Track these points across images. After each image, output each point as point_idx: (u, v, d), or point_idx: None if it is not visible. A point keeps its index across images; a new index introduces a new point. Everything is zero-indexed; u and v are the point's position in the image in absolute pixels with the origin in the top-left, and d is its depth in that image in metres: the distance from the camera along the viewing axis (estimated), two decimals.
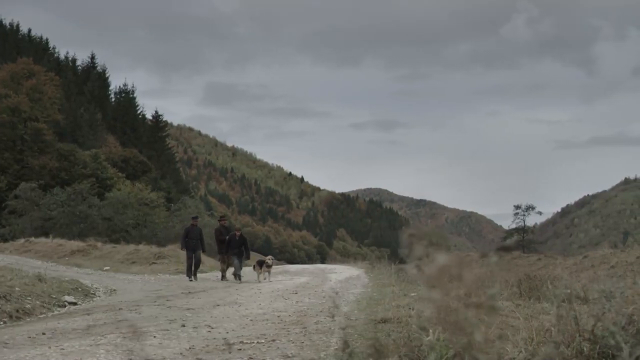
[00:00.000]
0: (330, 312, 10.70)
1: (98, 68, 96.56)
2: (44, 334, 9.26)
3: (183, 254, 34.60)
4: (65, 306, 14.24)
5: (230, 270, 24.14)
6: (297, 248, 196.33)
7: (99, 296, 17.09)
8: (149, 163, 79.40)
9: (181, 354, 7.22)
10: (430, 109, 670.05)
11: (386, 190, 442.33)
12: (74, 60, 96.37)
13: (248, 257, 24.96)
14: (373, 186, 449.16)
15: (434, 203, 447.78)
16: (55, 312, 13.18)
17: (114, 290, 18.50)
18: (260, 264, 23.79)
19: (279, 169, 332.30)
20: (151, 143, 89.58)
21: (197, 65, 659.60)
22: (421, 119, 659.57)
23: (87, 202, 58.17)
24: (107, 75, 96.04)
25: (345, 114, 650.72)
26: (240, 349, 7.43)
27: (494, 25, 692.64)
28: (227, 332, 8.94)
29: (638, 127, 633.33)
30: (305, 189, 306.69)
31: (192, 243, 23.88)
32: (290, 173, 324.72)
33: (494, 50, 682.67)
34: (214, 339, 8.33)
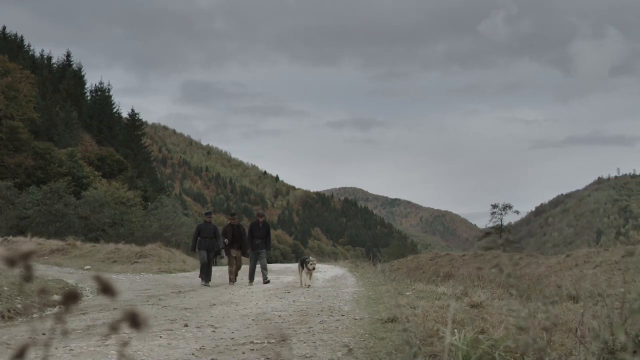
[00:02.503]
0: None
1: (74, 66, 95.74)
2: (44, 334, 9.07)
3: (165, 253, 34.47)
4: (55, 306, 14.02)
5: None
6: (272, 247, 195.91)
7: (87, 296, 16.85)
8: (125, 162, 78.87)
9: (193, 354, 7.08)
10: (407, 108, 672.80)
11: (361, 190, 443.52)
12: (49, 59, 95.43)
13: (269, 248, 21.72)
14: (348, 185, 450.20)
15: (409, 202, 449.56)
16: (48, 312, 12.96)
17: None
18: (304, 264, 19.48)
19: (254, 168, 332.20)
20: (127, 142, 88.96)
21: (174, 63, 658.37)
22: (398, 118, 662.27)
23: (63, 201, 57.70)
24: (83, 73, 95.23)
25: (322, 113, 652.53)
26: (252, 350, 7.30)
27: (472, 24, 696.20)
28: (233, 332, 8.80)
29: (613, 127, 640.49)
30: (280, 188, 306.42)
31: (206, 242, 21.06)
32: (265, 172, 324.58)
33: (471, 49, 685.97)
34: (222, 339, 8.19)
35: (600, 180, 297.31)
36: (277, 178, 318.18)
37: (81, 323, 10.32)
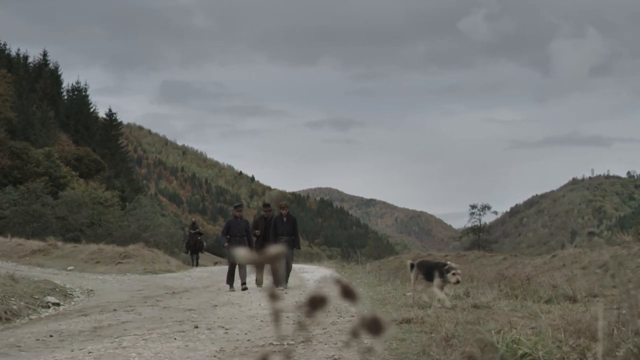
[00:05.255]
0: (338, 311, 10.48)
1: (50, 65, 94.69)
2: (51, 336, 8.89)
3: (149, 253, 34.17)
4: (49, 307, 13.78)
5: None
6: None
7: (78, 296, 16.62)
8: (102, 162, 78.26)
9: (214, 356, 6.95)
10: (386, 108, 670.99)
11: (336, 190, 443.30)
12: (25, 57, 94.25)
13: (299, 247, 18.91)
14: (323, 185, 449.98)
15: (384, 202, 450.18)
16: (45, 313, 12.74)
17: (91, 290, 18.00)
18: (440, 273, 12.07)
19: (230, 168, 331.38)
20: (104, 142, 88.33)
21: (152, 62, 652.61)
22: (377, 118, 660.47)
23: (40, 200, 57.21)
24: (59, 72, 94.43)
25: (300, 113, 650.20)
26: (274, 351, 7.16)
27: (451, 22, 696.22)
28: (246, 334, 8.67)
29: (591, 127, 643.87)
30: (255, 188, 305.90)
31: (236, 240, 17.83)
32: (240, 172, 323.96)
33: (450, 49, 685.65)
34: (237, 340, 8.06)
35: (574, 181, 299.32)
36: (252, 178, 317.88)
37: (86, 324, 10.12)
